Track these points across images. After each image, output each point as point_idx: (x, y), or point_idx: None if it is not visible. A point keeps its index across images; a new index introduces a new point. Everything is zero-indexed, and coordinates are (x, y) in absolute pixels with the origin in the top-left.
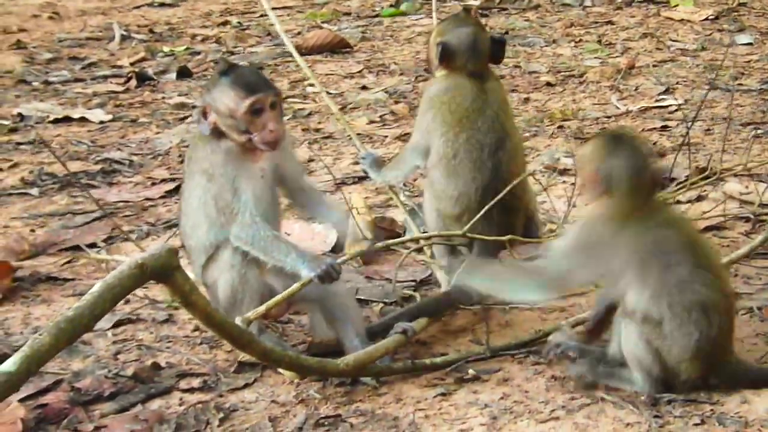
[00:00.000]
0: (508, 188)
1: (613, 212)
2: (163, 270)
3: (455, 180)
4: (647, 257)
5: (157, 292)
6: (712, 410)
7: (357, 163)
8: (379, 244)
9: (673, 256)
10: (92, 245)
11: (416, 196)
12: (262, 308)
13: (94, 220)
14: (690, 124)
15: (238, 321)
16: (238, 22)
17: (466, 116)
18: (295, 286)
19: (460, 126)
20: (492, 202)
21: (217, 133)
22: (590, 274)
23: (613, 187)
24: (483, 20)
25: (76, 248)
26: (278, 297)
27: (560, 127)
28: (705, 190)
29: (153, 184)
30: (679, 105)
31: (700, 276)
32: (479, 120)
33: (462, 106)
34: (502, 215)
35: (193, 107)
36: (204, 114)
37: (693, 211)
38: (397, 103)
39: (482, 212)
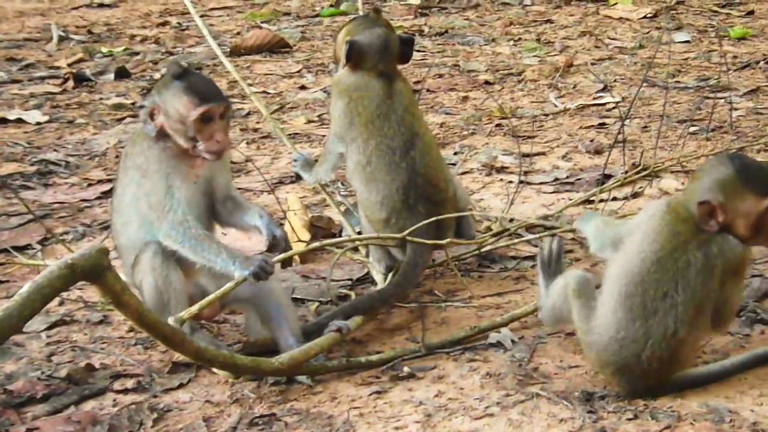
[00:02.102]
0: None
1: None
2: (94, 270)
3: (375, 185)
4: None
5: (92, 293)
6: (645, 405)
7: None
8: (315, 245)
9: None
10: (27, 247)
11: (352, 195)
12: (195, 308)
13: (28, 222)
14: (624, 120)
15: (170, 321)
16: (178, 23)
17: (371, 121)
18: (229, 285)
19: (368, 132)
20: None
21: (161, 135)
22: None
23: None
24: (423, 19)
25: (9, 251)
26: (211, 296)
27: (498, 125)
28: (641, 187)
29: (89, 185)
30: (617, 102)
31: None
32: (385, 126)
33: (368, 109)
34: (428, 208)
35: (137, 106)
36: (151, 115)
37: (629, 207)
38: None
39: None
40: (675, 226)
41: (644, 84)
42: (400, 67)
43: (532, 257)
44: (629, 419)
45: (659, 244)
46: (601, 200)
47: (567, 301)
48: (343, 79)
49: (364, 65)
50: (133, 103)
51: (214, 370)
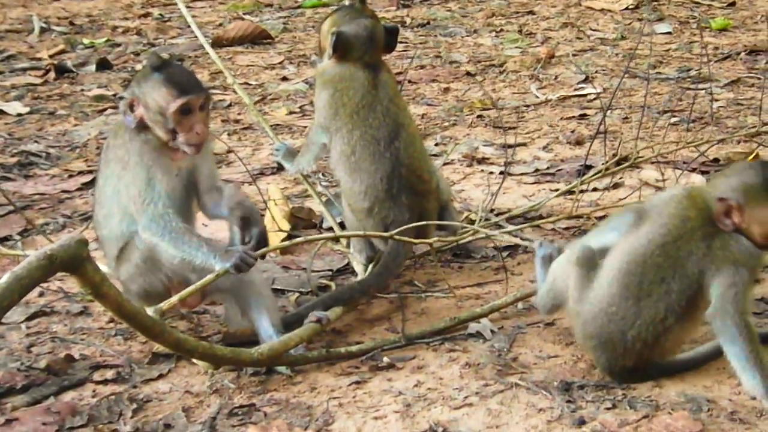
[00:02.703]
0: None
1: None
2: (73, 261)
3: (359, 175)
4: None
5: (72, 284)
6: (623, 394)
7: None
8: (299, 240)
9: None
10: (7, 238)
11: (334, 186)
12: (175, 298)
13: (8, 213)
14: (606, 112)
15: (150, 311)
16: (160, 14)
17: (356, 112)
18: (210, 276)
19: (353, 123)
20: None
21: (141, 126)
22: None
23: None
24: (405, 10)
25: None
26: (191, 287)
27: (480, 116)
28: (621, 177)
29: (70, 176)
30: (598, 94)
31: None
32: (369, 117)
33: (353, 100)
34: (411, 198)
35: (117, 98)
36: (131, 106)
37: (609, 197)
38: None
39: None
40: (688, 212)
41: (625, 75)
42: (383, 57)
43: (513, 248)
44: (607, 408)
45: (667, 229)
46: (582, 191)
47: (567, 272)
48: (328, 70)
49: (350, 56)
50: (114, 95)
51: (194, 360)
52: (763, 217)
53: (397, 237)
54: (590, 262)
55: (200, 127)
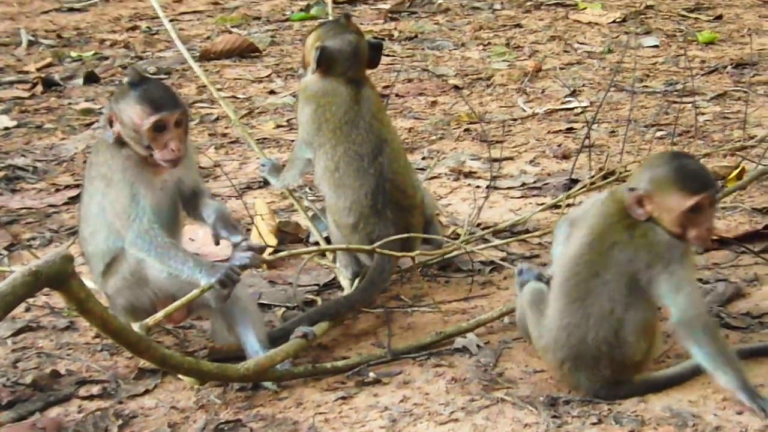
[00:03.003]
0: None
1: None
2: (58, 277)
3: (343, 191)
4: None
5: (59, 299)
6: (609, 409)
7: None
8: (284, 254)
9: None
10: None
11: (320, 200)
12: (160, 314)
13: None
14: (591, 125)
15: (135, 327)
16: (147, 27)
17: (339, 128)
18: (195, 291)
19: (336, 138)
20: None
21: (121, 142)
22: None
23: None
24: (393, 24)
25: None
26: (177, 303)
27: (467, 130)
28: (608, 191)
29: (57, 190)
30: (585, 107)
31: None
32: (353, 133)
33: (336, 116)
34: (396, 213)
35: (100, 113)
36: (110, 122)
37: None
38: None
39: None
40: (609, 209)
41: (612, 88)
42: (369, 71)
43: (499, 262)
44: (593, 423)
45: (592, 228)
46: (568, 205)
47: (524, 313)
48: (310, 85)
49: (334, 71)
50: (101, 109)
51: (180, 376)
52: (670, 205)
53: (379, 250)
54: (540, 299)
55: (175, 143)
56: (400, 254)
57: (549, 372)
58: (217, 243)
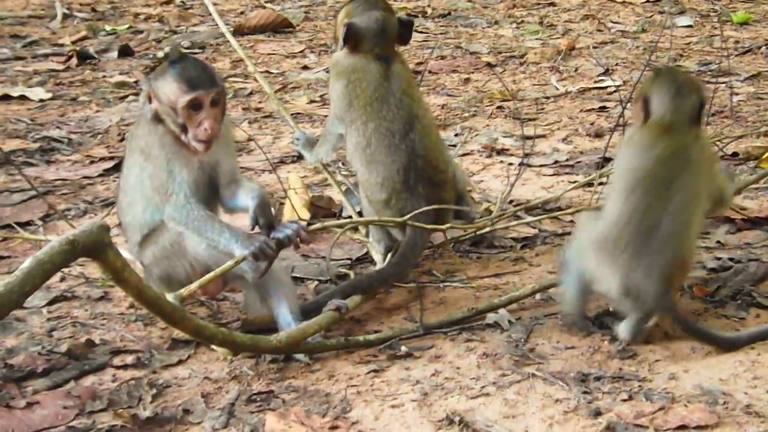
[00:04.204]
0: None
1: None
2: (95, 246)
3: (375, 167)
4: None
5: (93, 270)
6: (640, 386)
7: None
8: (317, 226)
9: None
10: (29, 223)
11: (353, 175)
12: (195, 285)
13: (30, 198)
14: (625, 104)
15: (170, 297)
16: (182, 1)
17: (369, 104)
18: (229, 263)
19: (367, 115)
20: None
21: (158, 119)
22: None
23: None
24: (426, 1)
25: (12, 226)
26: (211, 274)
27: (500, 107)
28: None
29: (91, 162)
30: (618, 86)
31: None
32: (383, 109)
33: (366, 92)
34: (428, 188)
35: (134, 86)
36: (149, 98)
37: None
38: None
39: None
40: (655, 132)
41: (646, 68)
42: (402, 48)
43: (531, 239)
44: (624, 400)
45: (646, 149)
46: (601, 183)
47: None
48: (341, 61)
49: (362, 47)
50: (135, 82)
51: (213, 347)
52: None
53: (410, 222)
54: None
55: (210, 122)
56: (431, 227)
57: (582, 347)
58: (252, 228)
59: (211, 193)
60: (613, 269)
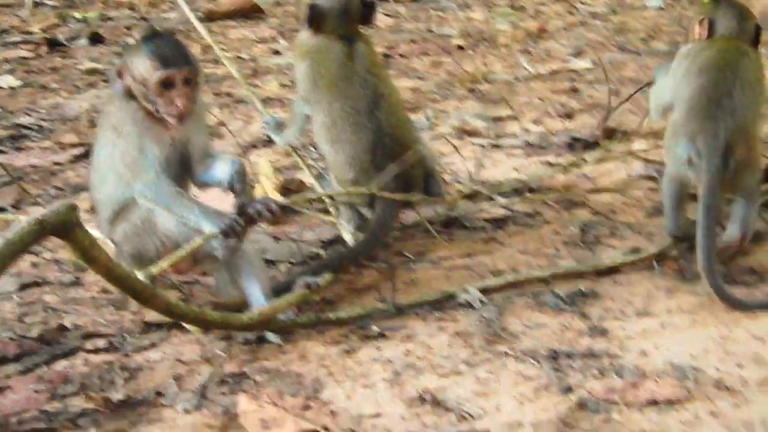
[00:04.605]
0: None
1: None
2: (63, 226)
3: (341, 146)
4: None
5: (65, 254)
6: (610, 362)
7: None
8: (284, 201)
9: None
10: (1, 209)
11: (324, 158)
12: (165, 263)
13: (2, 185)
14: (610, 87)
15: (140, 275)
16: None
17: (334, 83)
18: (198, 240)
19: (331, 95)
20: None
21: (130, 95)
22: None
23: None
24: None
25: None
26: (181, 251)
27: (471, 89)
28: (609, 150)
29: (62, 149)
30: (588, 67)
31: None
32: (348, 88)
33: (330, 71)
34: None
35: (105, 73)
36: (120, 74)
37: (598, 169)
38: None
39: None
40: (718, 46)
41: (615, 49)
42: (372, 31)
43: (503, 219)
44: (594, 376)
45: (710, 47)
46: (572, 164)
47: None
48: (305, 42)
49: (325, 28)
50: (110, 63)
51: (186, 326)
52: None
53: (379, 193)
54: None
55: (181, 100)
56: (400, 196)
57: (553, 325)
58: (226, 190)
59: (183, 171)
60: (685, 136)
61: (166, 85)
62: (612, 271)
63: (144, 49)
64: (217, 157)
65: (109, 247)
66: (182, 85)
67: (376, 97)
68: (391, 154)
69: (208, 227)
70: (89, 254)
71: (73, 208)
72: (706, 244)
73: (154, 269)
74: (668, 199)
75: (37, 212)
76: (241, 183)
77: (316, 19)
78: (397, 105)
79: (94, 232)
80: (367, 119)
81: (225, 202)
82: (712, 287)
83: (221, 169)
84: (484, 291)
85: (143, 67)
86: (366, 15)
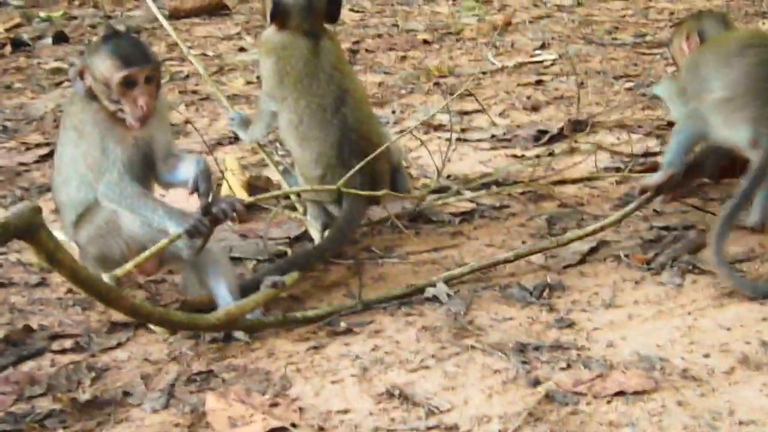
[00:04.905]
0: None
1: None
2: (27, 228)
3: (308, 144)
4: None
5: (30, 256)
6: (578, 354)
7: None
8: (250, 199)
9: None
10: None
11: (290, 155)
12: (130, 264)
13: None
14: (576, 80)
15: (105, 278)
16: None
17: (299, 80)
18: (163, 241)
19: (297, 92)
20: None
21: (92, 95)
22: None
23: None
24: None
25: None
26: (146, 253)
27: (436, 83)
28: (577, 142)
29: (27, 149)
30: (554, 60)
31: None
32: (313, 85)
33: (296, 68)
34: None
35: (71, 68)
36: (81, 74)
37: (565, 162)
38: None
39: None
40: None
41: (581, 41)
42: (338, 27)
43: (469, 213)
44: (562, 368)
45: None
46: (537, 156)
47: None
48: (270, 38)
49: (290, 24)
50: (72, 63)
51: (152, 327)
52: None
53: (345, 189)
54: None
55: (144, 99)
56: (366, 193)
57: (520, 318)
58: (191, 193)
59: (147, 171)
60: (744, 120)
61: (128, 84)
62: (579, 262)
63: (104, 49)
64: (182, 157)
65: (74, 250)
66: (144, 84)
67: (341, 93)
68: (358, 151)
69: (173, 228)
70: (54, 257)
71: (37, 211)
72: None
73: (120, 272)
74: (681, 145)
75: (1, 214)
76: (205, 183)
77: (280, 15)
78: (362, 101)
79: (59, 234)
80: (333, 116)
81: (190, 201)
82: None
83: (185, 169)
84: (451, 283)
85: (104, 67)
86: (331, 11)
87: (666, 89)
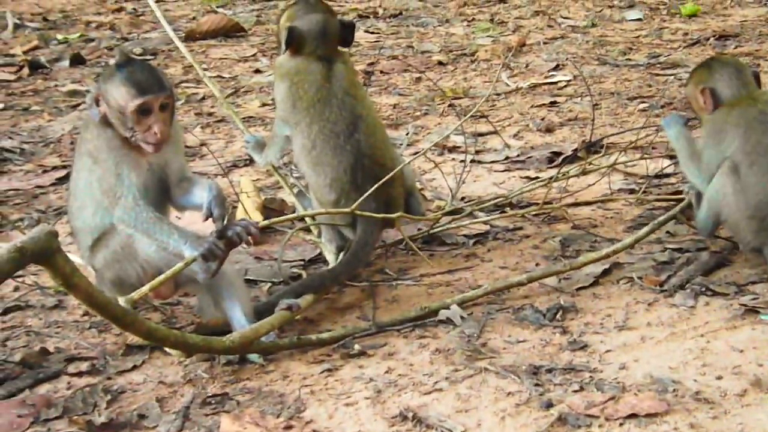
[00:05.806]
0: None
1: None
2: (43, 252)
3: (322, 169)
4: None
5: (47, 279)
6: (590, 377)
7: None
8: (265, 222)
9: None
10: None
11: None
12: (146, 288)
13: None
14: (593, 100)
15: (121, 301)
16: (133, 8)
17: (312, 105)
18: (179, 264)
19: (310, 117)
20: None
21: (106, 122)
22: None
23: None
24: (377, 1)
25: None
26: (162, 276)
27: (451, 105)
28: (591, 163)
29: (44, 171)
30: (568, 81)
31: None
32: (326, 110)
33: (309, 93)
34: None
35: (87, 94)
36: (96, 101)
37: (579, 183)
38: None
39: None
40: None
41: (595, 62)
42: (353, 49)
43: (483, 235)
44: (575, 391)
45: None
46: (552, 178)
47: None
48: (284, 64)
49: (304, 50)
50: (87, 90)
51: (167, 349)
52: None
53: (358, 212)
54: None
55: (159, 126)
56: (380, 216)
57: (533, 340)
58: (205, 220)
59: (161, 195)
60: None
61: (143, 111)
62: (592, 284)
63: (118, 77)
64: (195, 180)
65: (90, 274)
66: (159, 111)
67: (354, 118)
68: (372, 175)
69: (188, 251)
70: (70, 281)
71: (54, 235)
72: None
73: (135, 295)
74: (709, 223)
75: (18, 238)
76: (219, 208)
77: (294, 41)
78: (375, 125)
79: (75, 258)
80: (346, 142)
81: (205, 224)
82: None
83: (199, 194)
84: (464, 305)
85: (119, 95)
86: (345, 36)
87: (677, 138)
